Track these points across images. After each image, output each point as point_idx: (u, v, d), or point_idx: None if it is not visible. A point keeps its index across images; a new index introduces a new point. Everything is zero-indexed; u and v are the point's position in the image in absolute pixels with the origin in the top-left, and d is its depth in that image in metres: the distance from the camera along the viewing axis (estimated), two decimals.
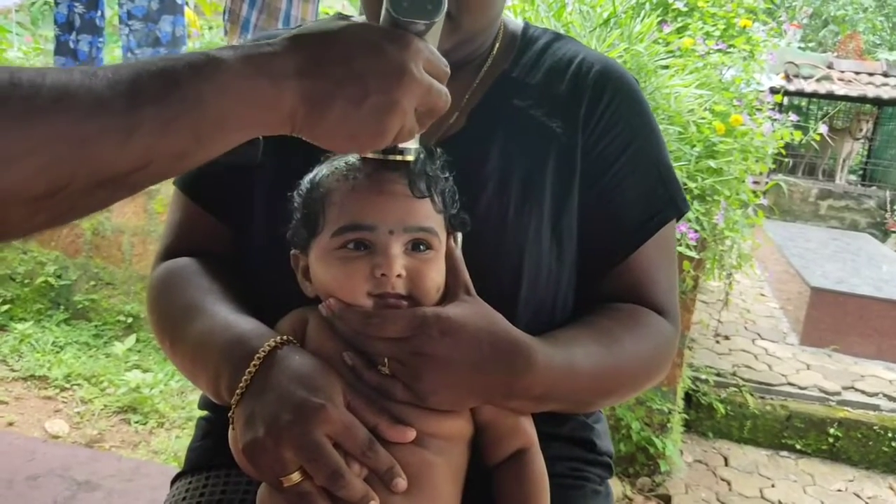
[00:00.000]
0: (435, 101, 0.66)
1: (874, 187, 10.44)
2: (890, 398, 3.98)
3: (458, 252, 0.80)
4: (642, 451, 3.34)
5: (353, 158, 0.78)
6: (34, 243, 4.14)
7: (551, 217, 0.89)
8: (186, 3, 3.85)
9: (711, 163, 2.91)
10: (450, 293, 0.77)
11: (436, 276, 0.76)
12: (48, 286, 4.11)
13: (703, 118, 2.90)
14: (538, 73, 0.95)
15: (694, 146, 2.88)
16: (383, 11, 0.65)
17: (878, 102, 10.47)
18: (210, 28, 6.06)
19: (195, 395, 3.30)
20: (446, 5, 0.66)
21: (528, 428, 0.80)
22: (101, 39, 3.77)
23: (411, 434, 0.72)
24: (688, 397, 3.84)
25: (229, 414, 0.73)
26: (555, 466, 0.84)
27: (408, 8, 0.64)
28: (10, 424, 3.13)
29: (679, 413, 3.51)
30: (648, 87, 2.68)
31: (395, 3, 0.64)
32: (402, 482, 0.69)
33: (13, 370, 3.58)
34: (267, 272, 0.88)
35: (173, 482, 0.99)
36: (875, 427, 3.75)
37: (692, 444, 3.78)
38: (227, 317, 0.81)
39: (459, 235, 0.81)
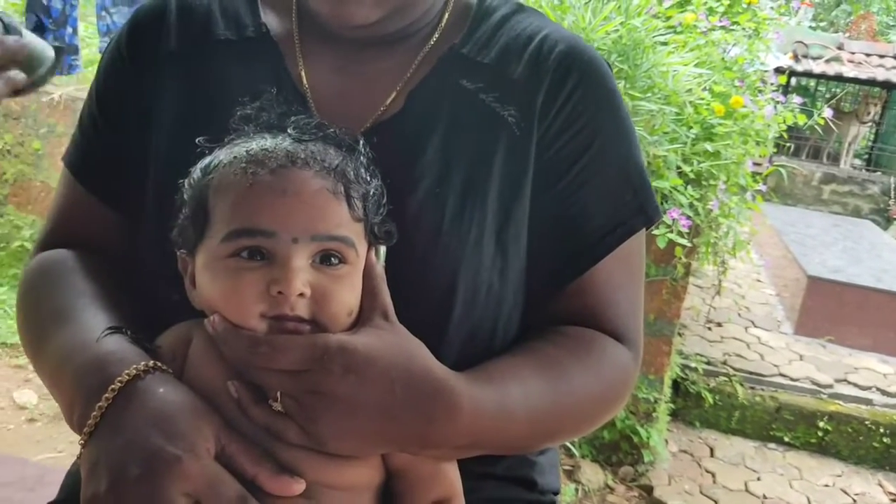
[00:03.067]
0: None
1: (879, 173, 10.25)
2: (883, 392, 3.88)
3: (380, 268, 0.67)
4: (626, 440, 3.26)
5: (255, 145, 0.65)
6: (10, 206, 4.02)
7: (496, 224, 0.76)
8: None
9: (708, 146, 2.79)
10: (364, 317, 0.65)
11: (348, 296, 0.64)
12: (24, 251, 3.99)
13: (702, 99, 2.77)
14: (492, 51, 0.81)
15: (690, 128, 2.75)
16: None
17: (887, 86, 10.24)
18: None
19: None
20: None
21: (451, 474, 0.68)
22: None
23: (298, 487, 0.60)
24: (675, 385, 3.74)
25: (76, 457, 0.62)
26: None
27: None
28: None
29: (665, 402, 3.41)
30: (644, 64, 2.54)
31: None
32: None
33: None
34: (156, 274, 0.74)
35: None
36: (866, 422, 3.65)
37: (678, 434, 3.69)
38: (91, 331, 0.68)
39: (382, 249, 0.69)
